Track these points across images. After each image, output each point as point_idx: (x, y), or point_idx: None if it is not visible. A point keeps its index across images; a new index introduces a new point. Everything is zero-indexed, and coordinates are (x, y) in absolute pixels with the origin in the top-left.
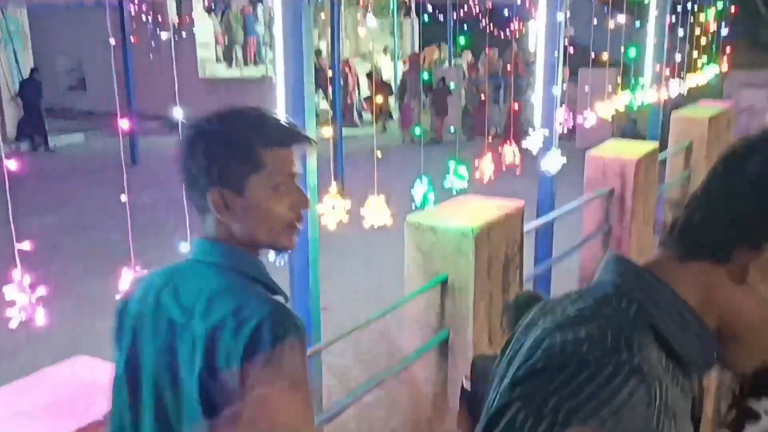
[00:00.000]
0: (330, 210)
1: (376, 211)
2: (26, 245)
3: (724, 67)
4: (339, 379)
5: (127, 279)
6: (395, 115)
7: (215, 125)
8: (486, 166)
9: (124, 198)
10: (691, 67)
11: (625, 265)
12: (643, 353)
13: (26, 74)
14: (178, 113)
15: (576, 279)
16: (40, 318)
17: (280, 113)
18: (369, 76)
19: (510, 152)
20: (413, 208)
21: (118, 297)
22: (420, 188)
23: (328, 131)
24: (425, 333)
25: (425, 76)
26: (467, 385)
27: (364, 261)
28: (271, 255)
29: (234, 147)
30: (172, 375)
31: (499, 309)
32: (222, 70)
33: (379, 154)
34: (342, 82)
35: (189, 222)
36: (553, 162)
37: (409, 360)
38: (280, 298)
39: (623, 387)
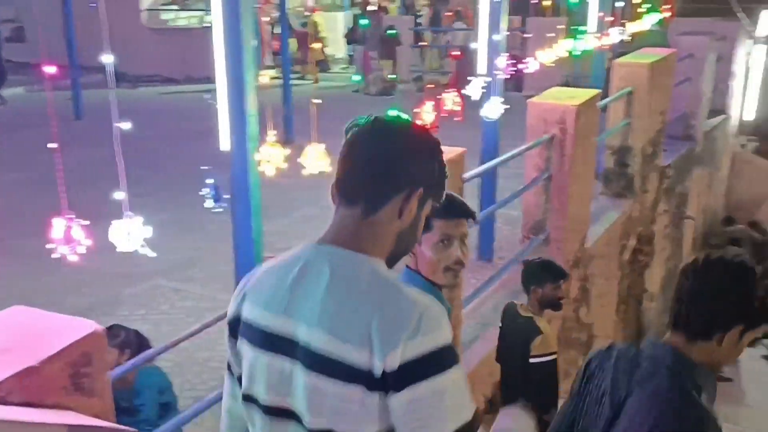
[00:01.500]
0: (268, 158)
1: (315, 159)
2: None
3: (666, 15)
4: None
5: (59, 230)
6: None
7: None
8: (426, 114)
9: (51, 145)
10: (633, 15)
11: (675, 354)
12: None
13: None
14: (109, 64)
15: (519, 224)
16: None
17: (220, 68)
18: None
19: (450, 99)
20: None
21: (48, 246)
22: None
23: (264, 78)
24: None
25: (364, 21)
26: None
27: (319, 212)
28: (209, 202)
29: None
30: None
31: None
32: (169, 20)
33: (317, 101)
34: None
35: (126, 177)
36: (493, 109)
37: None
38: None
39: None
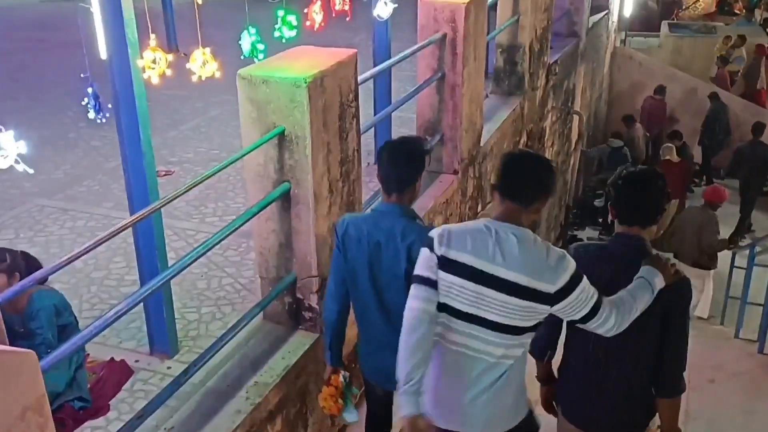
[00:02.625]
0: (151, 64)
1: (203, 64)
2: None
3: None
4: (186, 241)
5: None
6: None
7: None
8: (315, 14)
9: None
10: None
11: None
12: None
13: None
14: None
15: (414, 124)
16: None
17: None
18: None
19: None
20: (242, 59)
21: None
22: (248, 39)
23: None
24: (266, 186)
25: None
26: None
27: (207, 123)
28: (91, 113)
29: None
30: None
31: (338, 158)
32: None
33: (200, 1)
34: None
35: None
36: (384, 8)
37: (250, 214)
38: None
39: None
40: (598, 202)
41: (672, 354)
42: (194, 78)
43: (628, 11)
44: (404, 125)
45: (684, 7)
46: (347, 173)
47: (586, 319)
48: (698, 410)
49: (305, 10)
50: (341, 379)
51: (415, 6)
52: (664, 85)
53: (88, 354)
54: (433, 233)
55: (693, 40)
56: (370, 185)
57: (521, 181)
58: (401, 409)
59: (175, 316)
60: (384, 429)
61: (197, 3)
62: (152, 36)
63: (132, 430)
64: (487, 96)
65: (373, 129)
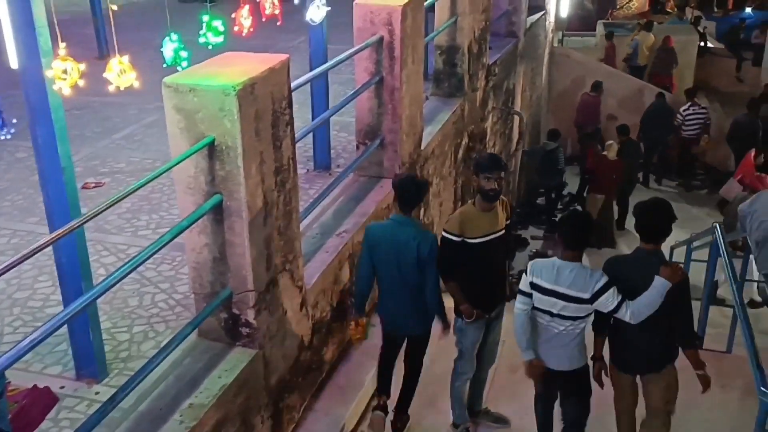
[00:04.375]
0: (62, 74)
1: (120, 73)
2: None
3: None
4: (117, 256)
5: None
6: None
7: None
8: (243, 19)
9: None
10: None
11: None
12: None
13: None
14: None
15: (353, 129)
16: None
17: None
18: None
19: (269, 2)
20: (164, 66)
21: None
22: (170, 45)
23: None
24: (197, 199)
25: None
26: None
27: (141, 130)
28: None
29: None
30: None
31: (272, 167)
32: None
33: (114, 7)
34: None
35: None
36: (316, 11)
37: (180, 228)
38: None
39: None
40: (540, 201)
41: (683, 321)
42: (111, 88)
43: (564, 11)
44: (344, 129)
45: (618, 7)
46: (283, 182)
47: (613, 312)
48: None
49: (233, 15)
50: (365, 319)
51: (351, 7)
52: (600, 81)
53: (9, 382)
54: (528, 266)
55: (628, 38)
56: (309, 192)
57: (575, 237)
58: (523, 356)
59: (104, 337)
60: (392, 360)
61: (112, 9)
62: (62, 44)
63: None
64: (427, 98)
65: (311, 134)
